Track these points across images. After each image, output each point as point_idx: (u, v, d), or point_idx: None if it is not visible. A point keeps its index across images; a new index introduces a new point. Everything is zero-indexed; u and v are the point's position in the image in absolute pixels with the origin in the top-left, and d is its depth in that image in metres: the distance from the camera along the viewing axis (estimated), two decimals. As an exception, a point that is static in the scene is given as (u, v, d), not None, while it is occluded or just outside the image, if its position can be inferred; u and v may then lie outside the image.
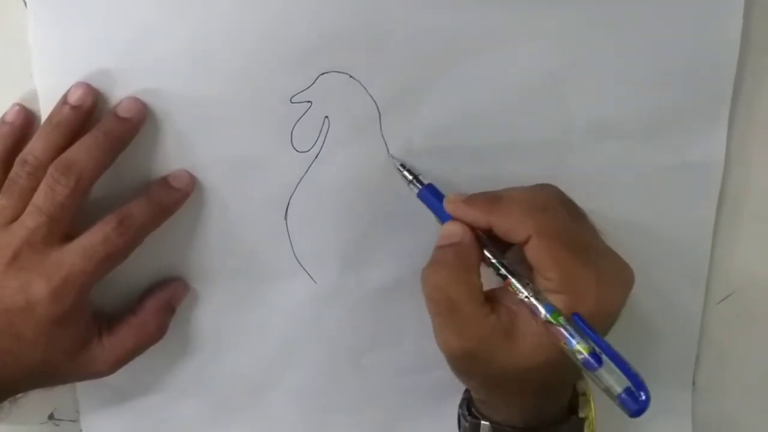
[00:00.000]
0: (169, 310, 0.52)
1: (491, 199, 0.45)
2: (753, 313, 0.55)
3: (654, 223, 0.52)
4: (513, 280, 0.43)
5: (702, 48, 0.48)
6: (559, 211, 0.44)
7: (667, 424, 0.57)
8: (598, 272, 0.43)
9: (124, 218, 0.46)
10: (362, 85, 0.48)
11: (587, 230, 0.45)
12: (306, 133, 0.49)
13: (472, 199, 0.45)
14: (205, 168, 0.49)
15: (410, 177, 0.48)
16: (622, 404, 0.41)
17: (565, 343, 0.41)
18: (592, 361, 0.41)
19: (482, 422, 0.47)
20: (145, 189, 0.48)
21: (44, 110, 0.48)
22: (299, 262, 0.52)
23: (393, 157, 0.49)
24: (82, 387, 0.55)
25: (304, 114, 0.48)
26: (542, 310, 0.42)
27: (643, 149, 0.50)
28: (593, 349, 0.41)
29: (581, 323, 0.41)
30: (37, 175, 0.46)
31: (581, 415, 0.48)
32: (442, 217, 0.46)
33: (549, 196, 0.45)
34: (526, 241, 0.43)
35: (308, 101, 0.48)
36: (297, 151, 0.49)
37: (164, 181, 0.49)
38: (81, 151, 0.45)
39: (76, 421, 0.57)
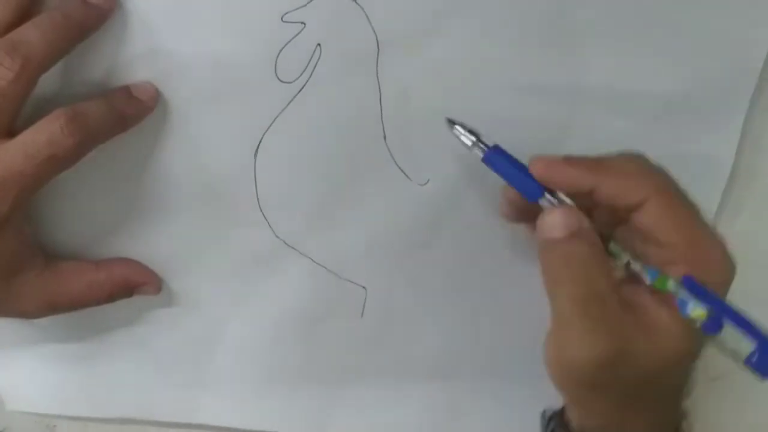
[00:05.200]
0: (129, 291, 0.48)
1: (594, 161, 0.39)
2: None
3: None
4: (615, 245, 0.39)
5: (733, 34, 0.44)
6: (670, 175, 0.40)
7: None
8: (716, 238, 0.38)
9: (75, 116, 0.40)
10: (364, 12, 0.43)
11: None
12: (293, 60, 0.44)
13: (571, 160, 0.40)
14: (172, 82, 0.44)
15: (471, 139, 0.42)
16: (753, 368, 0.37)
17: (678, 311, 0.37)
18: (713, 323, 0.37)
19: None
20: (103, 93, 0.43)
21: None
22: (261, 210, 0.48)
23: (450, 120, 0.43)
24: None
25: (294, 37, 0.43)
26: (647, 275, 0.38)
27: (650, 131, 0.45)
28: (711, 312, 0.37)
29: (693, 285, 0.37)
30: None
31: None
32: (521, 184, 0.40)
33: (653, 162, 0.40)
34: (639, 204, 0.38)
35: (302, 22, 0.43)
36: (280, 80, 0.44)
37: (126, 90, 0.43)
38: (31, 31, 0.40)
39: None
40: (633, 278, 0.39)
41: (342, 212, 0.48)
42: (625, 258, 0.39)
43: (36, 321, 0.48)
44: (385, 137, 0.46)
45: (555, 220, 0.39)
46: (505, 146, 0.42)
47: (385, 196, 0.47)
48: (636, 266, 0.39)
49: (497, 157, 0.41)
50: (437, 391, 0.52)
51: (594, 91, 0.44)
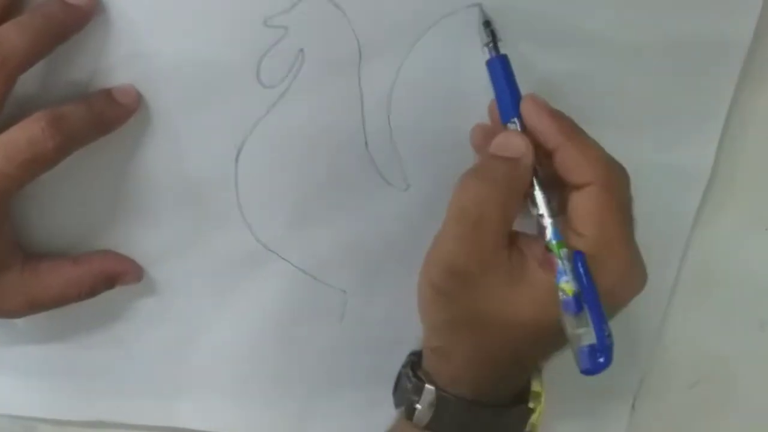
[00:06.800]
0: (110, 282, 0.47)
1: (574, 126, 0.40)
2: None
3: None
4: (539, 193, 0.40)
5: (710, 43, 0.45)
6: (626, 181, 0.41)
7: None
8: (633, 257, 0.40)
9: (55, 118, 0.40)
10: (347, 18, 0.43)
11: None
12: (276, 65, 0.44)
13: (558, 115, 0.40)
14: (155, 86, 0.44)
15: (489, 38, 0.42)
16: (579, 357, 0.39)
17: (553, 276, 0.39)
18: (573, 303, 0.38)
19: (426, 386, 0.44)
20: (84, 96, 0.43)
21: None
22: (242, 214, 0.47)
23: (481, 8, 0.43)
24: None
25: (277, 42, 0.43)
26: (550, 233, 0.39)
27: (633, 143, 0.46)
28: (578, 294, 0.38)
29: (581, 266, 0.38)
30: None
31: (530, 405, 0.45)
32: (503, 100, 0.41)
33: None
34: (581, 186, 0.39)
35: (284, 27, 0.43)
36: (262, 85, 0.44)
37: (108, 93, 0.43)
38: (11, 30, 0.39)
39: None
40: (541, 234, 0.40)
41: (322, 217, 0.48)
42: (539, 210, 0.40)
43: (14, 322, 0.47)
44: (366, 143, 0.46)
45: (502, 139, 0.41)
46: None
47: (366, 201, 0.47)
48: (548, 221, 0.40)
49: (498, 66, 0.42)
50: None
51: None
